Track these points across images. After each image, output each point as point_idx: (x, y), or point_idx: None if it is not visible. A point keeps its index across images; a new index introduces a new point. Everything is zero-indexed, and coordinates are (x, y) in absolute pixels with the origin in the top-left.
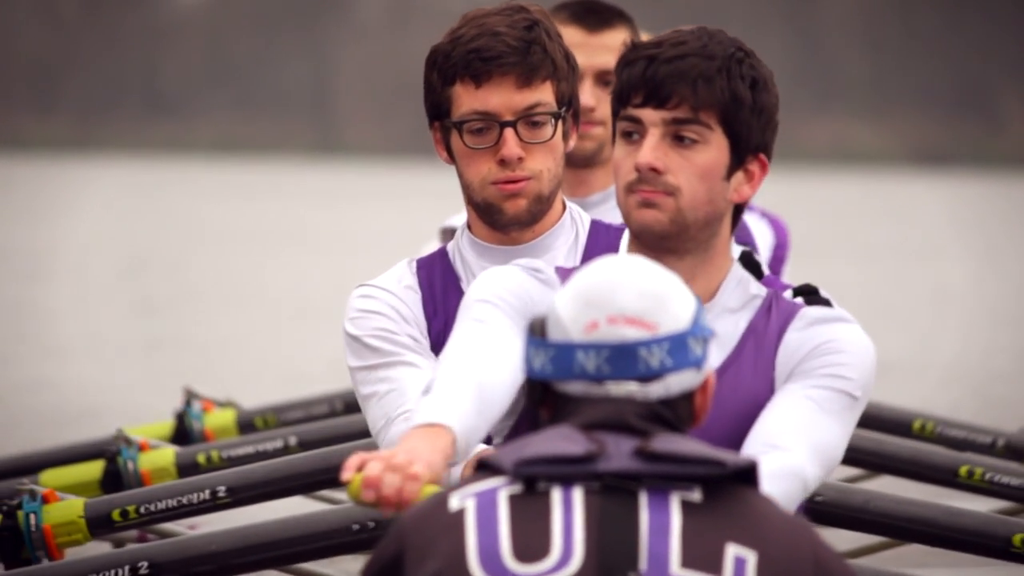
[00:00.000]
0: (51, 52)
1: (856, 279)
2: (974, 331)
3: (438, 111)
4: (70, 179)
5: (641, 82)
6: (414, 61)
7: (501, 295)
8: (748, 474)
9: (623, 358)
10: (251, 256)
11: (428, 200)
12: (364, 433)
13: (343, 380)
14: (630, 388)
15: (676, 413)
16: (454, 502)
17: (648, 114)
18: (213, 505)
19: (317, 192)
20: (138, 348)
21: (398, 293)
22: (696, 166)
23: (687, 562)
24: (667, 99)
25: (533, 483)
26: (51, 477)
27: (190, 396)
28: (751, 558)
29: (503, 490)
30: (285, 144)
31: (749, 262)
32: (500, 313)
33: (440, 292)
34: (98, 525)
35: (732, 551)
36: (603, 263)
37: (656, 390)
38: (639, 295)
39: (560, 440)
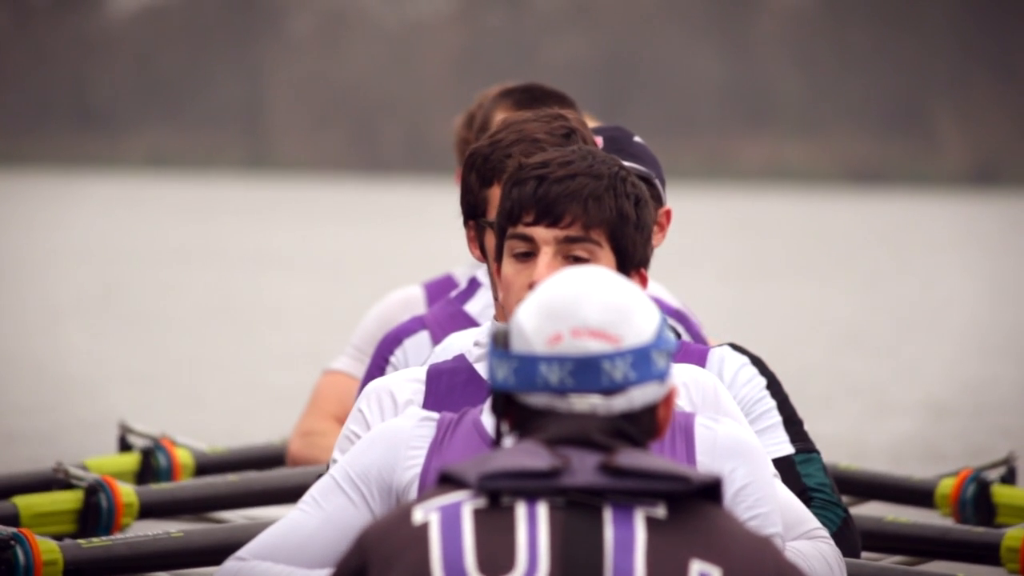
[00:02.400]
0: None
1: (790, 298)
2: (917, 356)
3: (474, 211)
4: None
5: (532, 201)
6: (346, 76)
7: (355, 473)
8: (712, 491)
9: (587, 371)
10: (182, 273)
11: (360, 215)
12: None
13: (274, 401)
14: (593, 401)
15: (639, 427)
16: (418, 515)
17: (541, 232)
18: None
19: (249, 207)
20: (70, 367)
21: (399, 400)
22: None
23: None
24: (560, 217)
25: (497, 497)
26: (27, 504)
27: (125, 431)
28: (715, 574)
29: (467, 504)
30: (217, 159)
31: None
32: (340, 497)
33: (447, 395)
34: (74, 569)
35: (696, 567)
36: (566, 275)
37: (619, 403)
38: (603, 308)
39: (524, 455)
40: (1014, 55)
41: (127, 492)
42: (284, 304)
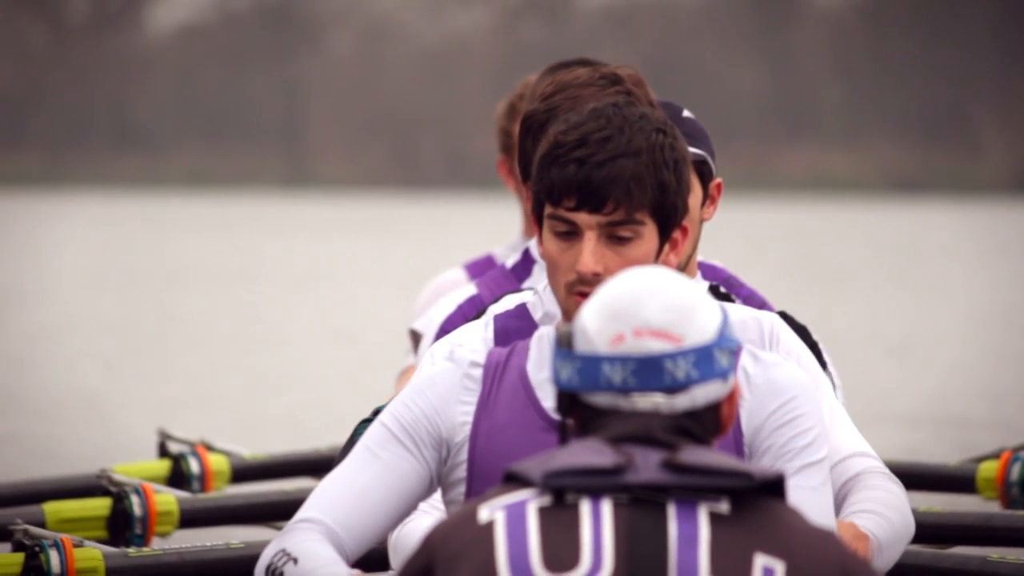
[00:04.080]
0: (19, 87)
1: (831, 308)
2: (955, 366)
3: (530, 172)
4: (39, 214)
5: (574, 186)
6: (385, 93)
7: (406, 421)
8: (775, 486)
9: (649, 371)
10: (222, 290)
11: (401, 232)
12: None
13: (308, 418)
14: (656, 400)
15: (702, 424)
16: (483, 514)
17: (584, 218)
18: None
19: (289, 225)
20: (107, 384)
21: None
22: (633, 261)
23: (716, 572)
24: (603, 204)
25: (562, 495)
26: (54, 509)
27: (164, 438)
28: (779, 568)
29: (532, 502)
30: (256, 177)
31: (717, 295)
32: (395, 446)
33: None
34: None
35: (760, 561)
36: (628, 276)
37: (682, 402)
38: (664, 308)
39: (588, 452)
40: None
41: (165, 500)
42: (326, 320)
